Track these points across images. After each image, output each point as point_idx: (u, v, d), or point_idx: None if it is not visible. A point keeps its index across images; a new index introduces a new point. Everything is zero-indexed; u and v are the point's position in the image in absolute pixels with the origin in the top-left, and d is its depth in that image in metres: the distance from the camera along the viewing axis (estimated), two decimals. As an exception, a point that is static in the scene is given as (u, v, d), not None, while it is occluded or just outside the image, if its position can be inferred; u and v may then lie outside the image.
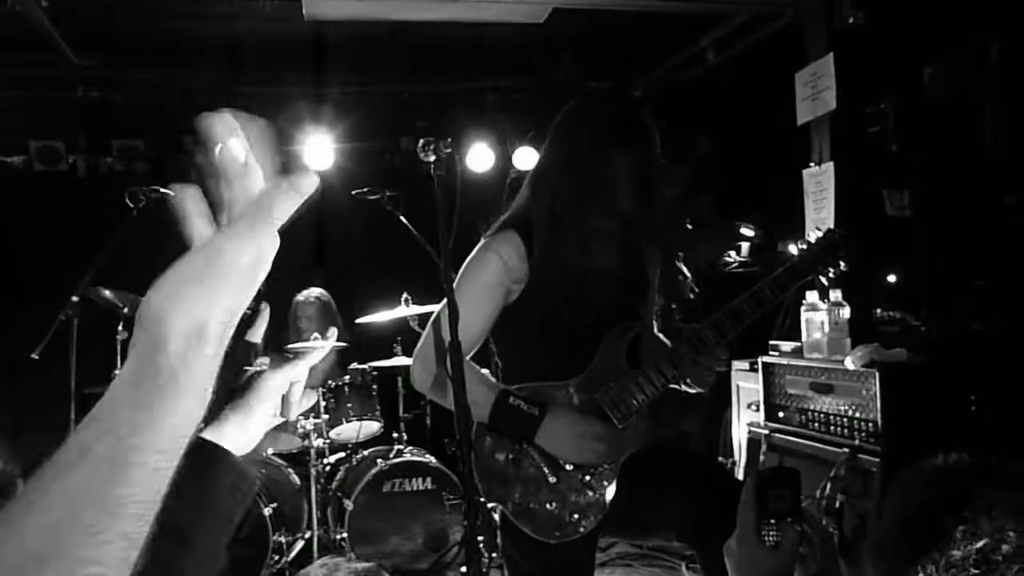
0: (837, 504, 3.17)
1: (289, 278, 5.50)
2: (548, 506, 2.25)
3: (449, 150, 2.10)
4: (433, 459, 4.51)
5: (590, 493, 2.28)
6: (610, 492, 2.29)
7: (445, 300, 2.10)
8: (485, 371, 2.38)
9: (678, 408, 4.99)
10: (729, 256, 5.83)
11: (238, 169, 0.74)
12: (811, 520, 2.74)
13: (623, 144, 2.25)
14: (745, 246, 5.81)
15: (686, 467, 2.41)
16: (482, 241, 2.36)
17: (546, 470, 2.26)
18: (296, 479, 4.51)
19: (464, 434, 1.99)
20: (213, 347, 0.65)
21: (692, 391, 2.40)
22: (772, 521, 1.50)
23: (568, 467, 2.27)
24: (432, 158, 2.12)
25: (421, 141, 2.13)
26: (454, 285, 2.25)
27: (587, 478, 2.28)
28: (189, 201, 0.77)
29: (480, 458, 2.29)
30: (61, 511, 0.58)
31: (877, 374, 3.14)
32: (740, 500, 1.52)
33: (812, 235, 2.49)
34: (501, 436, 2.28)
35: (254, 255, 0.67)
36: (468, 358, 2.29)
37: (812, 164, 4.36)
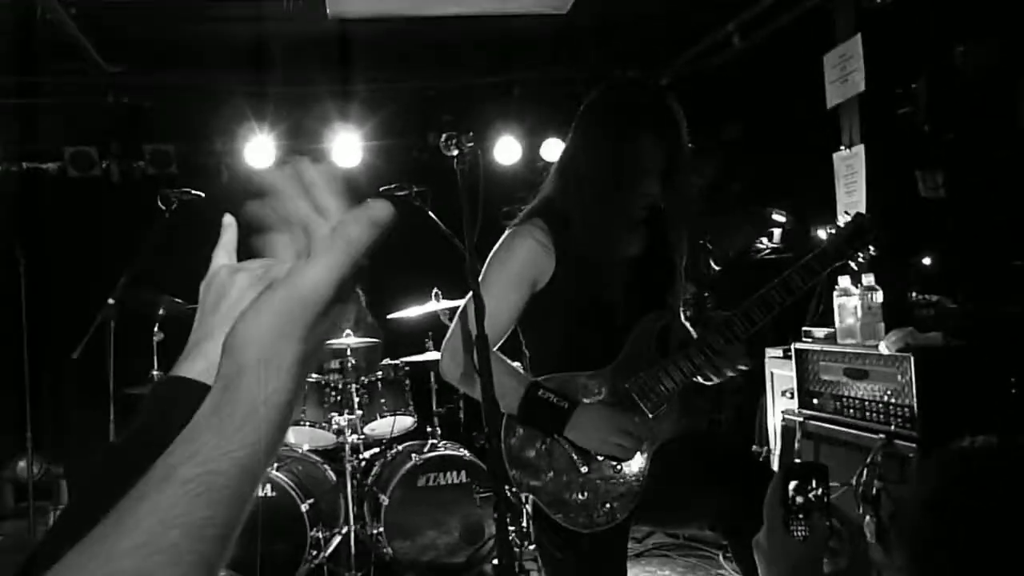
0: (874, 491, 3.13)
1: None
2: (580, 495, 2.27)
3: (471, 144, 2.12)
4: (467, 452, 4.54)
5: (622, 482, 2.29)
6: (642, 481, 2.30)
7: (471, 293, 2.12)
8: (516, 364, 2.40)
9: (711, 397, 4.97)
10: (760, 243, 5.79)
11: (309, 217, 0.75)
12: (841, 514, 2.73)
13: (649, 131, 2.26)
14: (776, 232, 5.77)
15: (718, 457, 2.42)
16: (507, 231, 2.38)
17: (577, 460, 2.28)
18: (332, 475, 4.56)
19: (492, 427, 2.01)
20: (292, 380, 0.67)
21: (711, 381, 2.41)
22: (800, 515, 1.50)
23: (600, 456, 2.28)
24: (455, 152, 2.15)
25: (444, 135, 2.15)
26: (480, 277, 2.29)
27: (619, 467, 2.30)
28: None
29: (511, 448, 2.31)
30: (150, 531, 0.59)
31: (912, 359, 3.12)
32: (767, 494, 1.53)
33: (840, 220, 2.49)
34: (531, 428, 2.29)
35: (332, 290, 0.67)
36: (496, 348, 2.31)
37: (843, 147, 4.33)
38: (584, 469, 2.29)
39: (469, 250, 2.12)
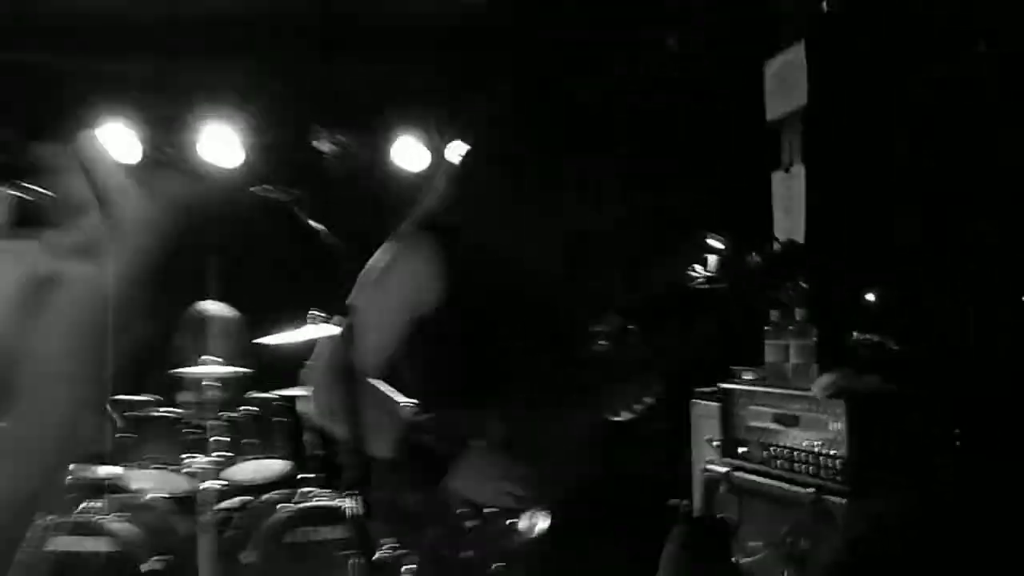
0: (801, 549, 3.26)
1: (179, 290, 5.46)
2: (464, 555, 2.28)
3: (343, 138, 2.12)
4: (350, 503, 4.49)
5: (514, 541, 2.31)
6: (539, 537, 2.32)
7: (342, 318, 2.13)
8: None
9: (629, 445, 5.05)
10: (694, 271, 5.91)
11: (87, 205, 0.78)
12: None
13: (569, 139, 2.32)
14: (712, 259, 5.90)
15: (623, 510, 2.46)
16: (385, 245, 2.39)
17: (463, 512, 2.28)
18: (186, 527, 4.49)
19: (354, 475, 2.01)
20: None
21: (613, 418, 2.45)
22: None
23: (488, 508, 2.31)
24: (325, 147, 2.14)
25: (314, 128, 2.14)
26: (353, 298, 2.29)
27: (510, 522, 2.31)
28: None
29: (382, 498, 2.30)
30: None
31: (845, 405, 3.23)
32: (663, 554, 1.55)
33: (768, 249, 2.56)
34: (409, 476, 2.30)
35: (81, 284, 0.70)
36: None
37: (782, 168, 4.48)
38: (470, 524, 2.29)
39: (341, 267, 2.13)
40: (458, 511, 2.27)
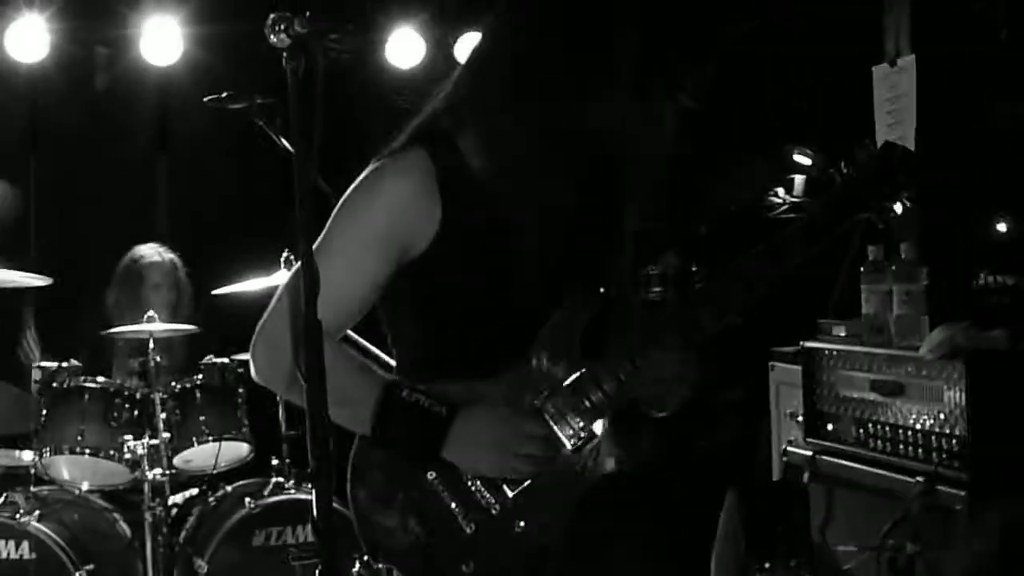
0: (906, 556, 3.21)
1: (118, 226, 5.49)
2: (464, 568, 2.27)
3: (306, 28, 2.06)
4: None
5: (524, 549, 2.29)
6: (559, 542, 2.30)
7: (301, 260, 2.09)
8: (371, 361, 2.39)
9: (691, 416, 5.01)
10: (777, 195, 5.83)
11: None
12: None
13: (625, 21, 2.27)
14: (799, 180, 5.82)
15: (675, 514, 2.44)
16: (372, 165, 2.36)
17: (458, 511, 2.28)
18: (124, 528, 4.53)
19: (322, 457, 1.99)
20: None
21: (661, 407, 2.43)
22: (766, 565, 1.51)
23: (493, 509, 2.28)
24: (285, 40, 2.10)
25: (271, 16, 2.09)
26: (323, 233, 2.28)
27: (521, 523, 2.30)
28: None
29: (358, 496, 2.30)
30: None
31: (963, 368, 3.16)
32: (719, 526, 1.54)
33: (860, 153, 2.49)
34: (392, 455, 2.29)
35: None
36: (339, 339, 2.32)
37: (886, 61, 4.37)
38: (468, 528, 2.28)
39: (300, 195, 2.09)
40: (453, 507, 2.27)
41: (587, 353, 2.38)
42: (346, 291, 2.28)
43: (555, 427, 2.32)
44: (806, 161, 5.68)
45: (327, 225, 2.31)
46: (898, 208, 2.45)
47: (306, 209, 2.07)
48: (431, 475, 2.28)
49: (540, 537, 2.30)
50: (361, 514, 2.29)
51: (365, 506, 2.29)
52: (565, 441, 2.33)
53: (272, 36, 2.09)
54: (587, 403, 2.32)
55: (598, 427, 2.35)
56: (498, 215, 2.30)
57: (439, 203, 2.29)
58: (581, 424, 2.33)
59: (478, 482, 2.28)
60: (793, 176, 5.73)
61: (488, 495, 2.28)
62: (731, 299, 2.34)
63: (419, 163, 2.31)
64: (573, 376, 2.34)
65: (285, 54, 2.09)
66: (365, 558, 2.33)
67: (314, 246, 2.23)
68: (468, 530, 2.27)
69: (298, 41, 2.08)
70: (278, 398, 4.73)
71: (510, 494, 2.28)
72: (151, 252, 5.20)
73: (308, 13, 2.08)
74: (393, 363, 2.48)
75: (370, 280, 2.32)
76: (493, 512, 2.28)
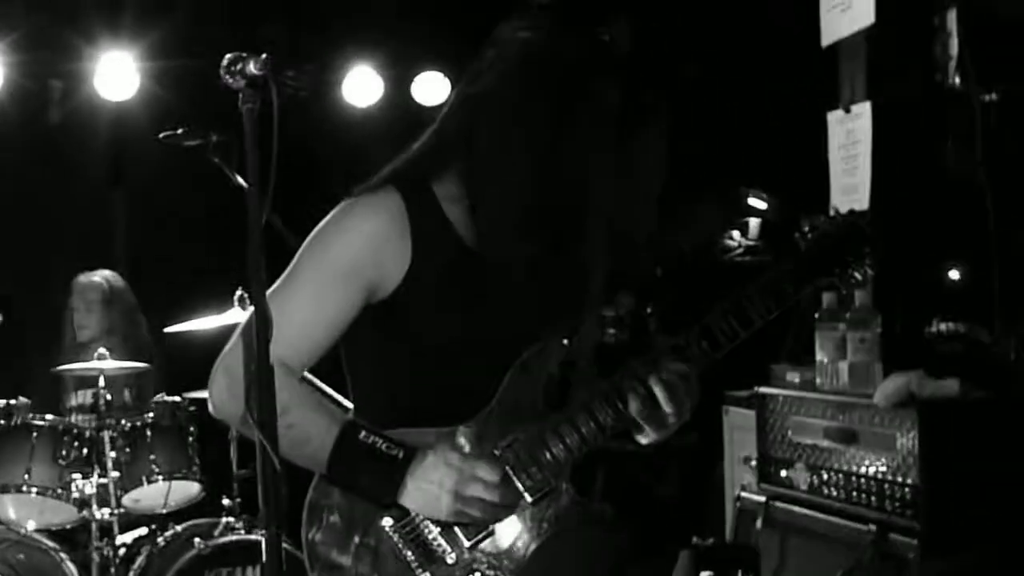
0: (859, 607, 3.21)
1: (70, 260, 5.44)
2: None
3: (263, 72, 2.06)
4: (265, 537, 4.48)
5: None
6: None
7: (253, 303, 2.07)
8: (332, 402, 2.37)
9: (646, 463, 5.01)
10: (731, 238, 5.87)
11: None
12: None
13: (592, 91, 2.27)
14: (754, 224, 5.87)
15: (627, 562, 2.43)
16: (341, 204, 2.34)
17: (412, 560, 2.25)
18: (72, 569, 4.47)
19: (275, 501, 1.97)
20: None
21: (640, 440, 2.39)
22: None
23: (449, 557, 2.26)
24: (240, 82, 2.09)
25: (227, 57, 2.09)
26: (291, 267, 2.27)
27: (476, 573, 2.28)
28: None
29: (313, 540, 2.27)
30: None
31: (915, 416, 3.17)
32: None
33: (823, 220, 2.51)
34: (349, 497, 2.27)
35: None
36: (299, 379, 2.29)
37: (840, 107, 4.40)
38: (424, 575, 2.26)
39: (252, 238, 2.07)
40: (407, 554, 2.25)
41: (551, 403, 2.37)
42: (310, 326, 2.26)
43: (514, 478, 2.31)
44: (761, 205, 5.73)
45: (294, 260, 2.30)
46: (859, 276, 2.48)
47: (257, 250, 2.06)
48: (387, 521, 2.25)
49: (493, 586, 2.28)
50: (314, 556, 2.27)
51: (319, 549, 2.27)
52: (523, 492, 2.31)
53: (228, 77, 2.08)
54: (548, 455, 2.31)
55: (559, 479, 2.34)
56: (468, 264, 2.30)
57: (409, 246, 2.28)
58: (540, 476, 2.31)
59: (435, 530, 2.25)
60: (748, 220, 5.78)
61: (444, 544, 2.25)
62: (694, 355, 2.32)
63: (392, 204, 2.29)
64: (535, 428, 2.33)
65: (241, 95, 2.09)
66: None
67: (280, 280, 2.26)
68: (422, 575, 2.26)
69: (253, 82, 2.07)
70: (230, 436, 4.72)
71: (467, 543, 2.26)
72: (83, 276, 5.18)
73: (264, 55, 2.07)
74: (350, 406, 2.45)
75: (335, 316, 2.29)
76: (448, 561, 2.26)
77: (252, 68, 2.05)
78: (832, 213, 2.53)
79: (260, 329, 2.00)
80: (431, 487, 2.21)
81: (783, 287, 2.40)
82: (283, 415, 2.01)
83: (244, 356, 2.22)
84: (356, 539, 2.27)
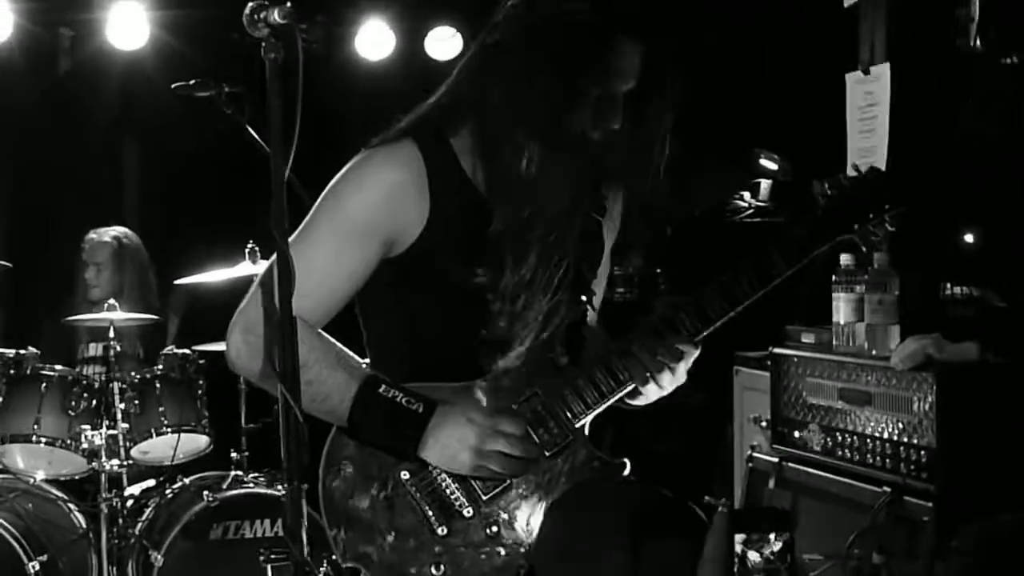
0: (872, 566, 3.21)
1: (80, 211, 5.43)
2: (432, 571, 2.26)
3: (286, 20, 2.04)
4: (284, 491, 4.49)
5: (500, 550, 2.28)
6: (529, 548, 2.30)
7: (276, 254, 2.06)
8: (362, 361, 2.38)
9: (654, 421, 5.01)
10: (742, 199, 5.85)
11: None
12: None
13: (626, 37, 2.27)
14: (764, 185, 5.84)
15: (642, 513, 2.42)
16: (359, 155, 2.34)
17: (430, 514, 2.27)
18: (79, 519, 4.50)
19: (296, 454, 1.99)
20: None
21: (638, 404, 2.44)
22: None
23: (466, 511, 2.27)
24: (264, 30, 2.08)
25: (250, 5, 2.07)
26: (306, 220, 2.28)
27: (493, 528, 2.30)
28: None
29: (331, 492, 2.30)
30: None
31: (933, 379, 3.17)
32: (704, 550, 1.53)
33: (846, 174, 2.52)
34: (368, 452, 2.28)
35: None
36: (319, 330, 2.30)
37: (860, 68, 4.37)
38: (442, 530, 2.27)
39: (277, 187, 2.07)
40: (425, 508, 2.26)
41: (569, 357, 2.40)
42: (329, 280, 2.27)
43: (532, 432, 2.32)
44: (772, 166, 5.70)
45: (310, 212, 2.30)
46: (879, 232, 2.48)
47: (280, 202, 2.06)
48: (404, 475, 2.27)
49: (512, 541, 2.29)
50: (331, 508, 2.29)
51: (336, 501, 2.29)
52: (541, 446, 2.32)
53: (250, 26, 2.07)
54: (566, 410, 2.32)
55: (575, 434, 2.35)
56: (485, 216, 2.29)
57: (427, 198, 2.28)
58: (558, 431, 2.32)
59: (453, 484, 2.27)
60: (759, 180, 5.75)
61: (462, 497, 2.27)
62: (715, 312, 2.36)
63: (409, 156, 2.30)
64: (552, 383, 2.34)
65: (263, 44, 2.07)
66: (333, 557, 2.30)
67: (296, 233, 2.25)
68: (440, 532, 2.26)
69: (277, 32, 2.06)
70: (239, 389, 4.73)
71: (484, 497, 2.28)
72: (95, 233, 5.18)
73: (287, 3, 2.06)
74: (364, 362, 2.45)
75: (353, 269, 2.30)
76: (466, 514, 2.28)
77: (276, 17, 2.04)
78: (851, 171, 2.54)
79: (284, 281, 2.00)
80: (451, 442, 2.23)
81: (803, 243, 2.41)
82: (303, 370, 2.03)
83: (264, 309, 2.22)
84: (373, 491, 2.29)
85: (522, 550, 2.29)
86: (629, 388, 2.37)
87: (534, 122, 2.26)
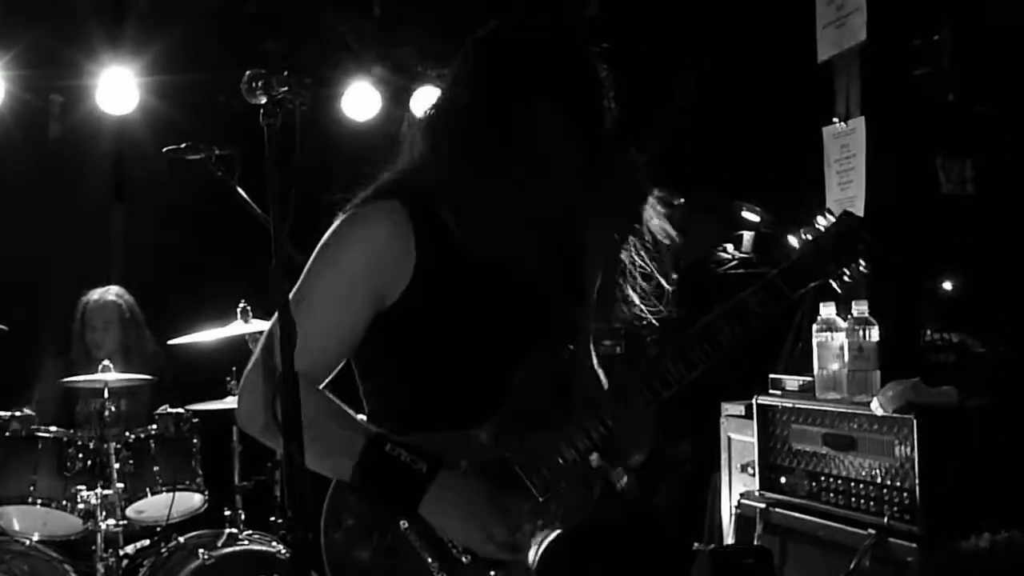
0: (859, 608, 3.24)
1: (72, 274, 5.45)
2: None
3: (286, 87, 2.10)
4: (283, 548, 4.52)
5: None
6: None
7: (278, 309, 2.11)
8: (359, 417, 2.39)
9: (642, 472, 5.04)
10: (725, 251, 5.91)
11: None
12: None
13: (566, 90, 2.30)
14: (747, 237, 5.90)
15: (630, 558, 2.46)
16: (345, 214, 2.37)
17: (430, 561, 2.28)
18: (77, 580, 4.47)
19: (300, 509, 2.00)
20: None
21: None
22: None
23: (464, 558, 2.29)
24: (263, 99, 2.12)
25: (248, 74, 2.12)
26: (299, 283, 2.28)
27: (491, 573, 2.30)
28: None
29: (333, 544, 2.30)
30: None
31: (915, 423, 3.22)
32: None
33: (819, 221, 2.56)
34: (369, 505, 2.29)
35: None
36: (322, 387, 2.31)
37: (836, 121, 4.46)
38: (441, 575, 2.29)
39: (277, 248, 2.11)
40: (426, 557, 2.27)
41: (557, 407, 2.41)
42: (326, 338, 2.28)
43: (524, 478, 2.35)
44: (754, 218, 5.77)
45: (303, 274, 2.32)
46: (855, 274, 2.53)
47: (281, 259, 2.10)
48: (404, 524, 2.27)
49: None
50: (334, 558, 2.29)
51: (339, 550, 2.29)
52: (533, 491, 2.35)
53: (248, 94, 2.11)
54: (559, 458, 2.35)
55: (568, 478, 2.39)
56: (469, 270, 2.32)
57: (413, 253, 2.30)
58: (551, 477, 2.36)
59: None
60: (742, 233, 5.81)
61: (460, 545, 2.27)
62: (697, 356, 2.37)
63: (394, 212, 2.32)
64: (546, 432, 2.36)
65: (262, 111, 2.12)
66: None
67: (291, 294, 2.22)
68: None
69: (275, 99, 2.10)
70: (234, 445, 4.74)
71: None
72: (97, 295, 5.21)
73: (286, 72, 2.11)
74: (363, 417, 2.48)
75: (348, 326, 2.32)
76: (464, 560, 2.28)
77: (274, 84, 2.09)
78: (825, 217, 2.57)
79: (286, 338, 2.02)
80: (450, 510, 2.25)
81: (778, 289, 2.45)
82: (309, 428, 2.02)
83: (266, 367, 2.23)
84: (374, 540, 2.28)
85: None
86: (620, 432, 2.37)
87: (504, 171, 2.29)
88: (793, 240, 2.58)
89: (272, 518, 4.89)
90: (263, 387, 2.24)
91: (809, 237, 2.53)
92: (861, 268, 2.52)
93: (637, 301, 2.55)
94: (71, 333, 5.24)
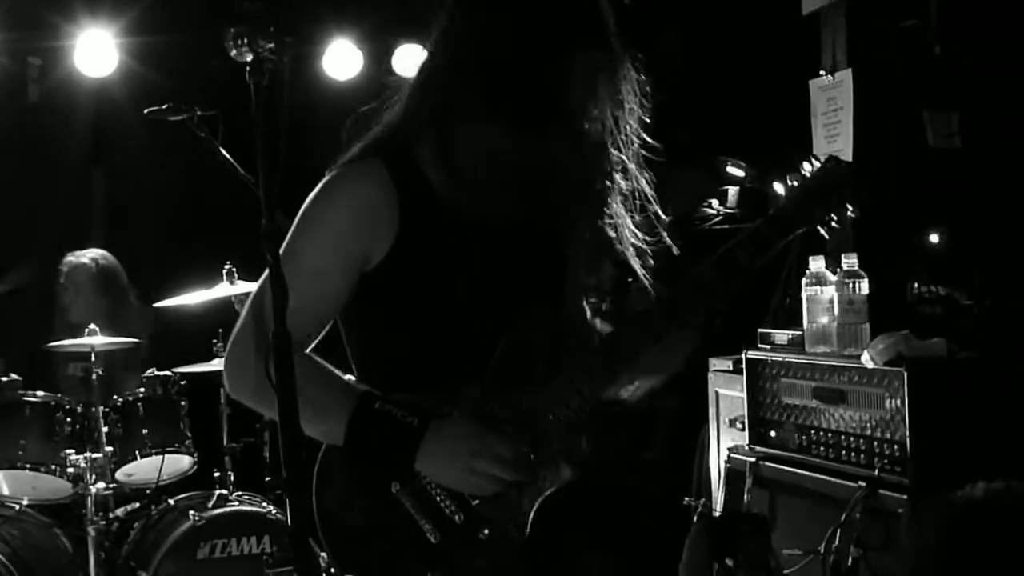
0: (850, 560, 3.27)
1: (54, 239, 5.43)
2: None
3: (275, 43, 2.08)
4: (273, 508, 4.54)
5: (489, 556, 2.30)
6: (519, 551, 2.32)
7: (268, 270, 2.10)
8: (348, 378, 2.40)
9: (634, 426, 5.07)
10: (710, 206, 5.91)
11: None
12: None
13: (572, 40, 2.28)
14: (732, 192, 5.90)
15: (622, 515, 2.48)
16: (329, 174, 2.37)
17: (423, 522, 2.28)
18: (66, 543, 4.50)
19: (294, 469, 2.01)
20: None
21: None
22: None
23: (457, 517, 2.30)
24: (248, 57, 2.10)
25: (232, 31, 2.09)
26: (284, 244, 2.26)
27: (485, 531, 2.31)
28: None
29: (326, 505, 2.29)
30: None
31: (905, 375, 3.24)
32: (683, 557, 1.58)
33: (805, 167, 2.53)
34: (362, 466, 2.29)
35: None
36: (309, 350, 2.31)
37: (823, 73, 4.45)
38: (434, 538, 2.29)
39: (267, 205, 2.10)
40: (419, 519, 2.28)
41: (548, 363, 2.40)
42: (312, 301, 2.27)
43: (514, 435, 2.35)
44: (739, 173, 5.77)
45: (288, 235, 2.31)
46: (843, 218, 2.51)
47: (273, 221, 2.09)
48: (395, 487, 2.28)
49: (503, 543, 2.31)
50: (327, 520, 2.28)
51: (332, 512, 2.29)
52: (525, 448, 2.35)
53: (234, 51, 2.09)
54: (551, 418, 2.34)
55: (558, 440, 2.39)
56: (454, 227, 2.32)
57: (397, 212, 2.30)
58: (541, 435, 2.35)
59: (442, 492, 2.28)
60: (726, 188, 5.82)
61: (452, 505, 2.28)
62: (692, 307, 2.37)
63: (376, 172, 2.31)
64: (536, 393, 2.35)
65: (248, 69, 2.10)
66: (332, 570, 2.32)
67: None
68: (433, 539, 2.27)
69: (261, 56, 2.08)
70: (222, 407, 4.76)
71: (473, 503, 2.28)
72: (72, 257, 5.20)
73: (272, 28, 2.09)
74: (351, 378, 2.47)
75: (334, 288, 2.32)
76: (457, 520, 2.30)
77: (260, 42, 2.07)
78: (811, 162, 2.55)
79: (278, 297, 2.00)
80: (444, 458, 2.24)
81: (765, 237, 2.43)
82: (299, 392, 2.02)
83: (253, 333, 2.23)
84: (367, 502, 2.29)
85: (514, 552, 2.31)
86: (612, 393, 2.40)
87: (488, 135, 2.28)
88: (779, 187, 2.55)
89: (267, 478, 4.92)
90: (253, 349, 2.23)
91: (795, 183, 2.50)
92: (848, 212, 2.48)
93: (632, 239, 2.52)
94: (60, 293, 5.21)
